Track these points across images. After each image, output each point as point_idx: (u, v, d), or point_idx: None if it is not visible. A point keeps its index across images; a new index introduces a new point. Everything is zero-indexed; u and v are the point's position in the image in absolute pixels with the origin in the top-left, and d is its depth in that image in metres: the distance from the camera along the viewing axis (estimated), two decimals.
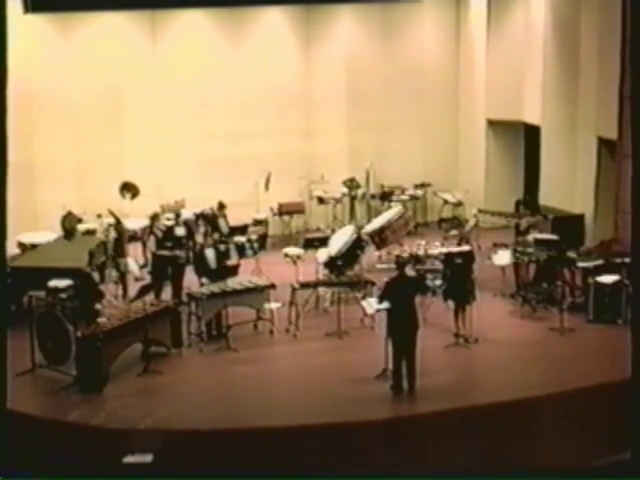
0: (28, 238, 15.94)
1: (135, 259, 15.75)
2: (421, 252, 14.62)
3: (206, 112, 18.48)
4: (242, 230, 16.22)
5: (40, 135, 17.77)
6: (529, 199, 17.89)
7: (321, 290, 14.48)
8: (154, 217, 15.70)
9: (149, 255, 15.36)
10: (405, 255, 13.71)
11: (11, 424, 8.34)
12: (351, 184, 18.91)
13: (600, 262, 14.20)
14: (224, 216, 16.10)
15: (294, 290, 13.81)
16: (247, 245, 15.39)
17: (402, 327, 11.60)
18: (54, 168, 17.77)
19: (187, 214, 16.28)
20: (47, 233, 16.21)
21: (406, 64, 19.54)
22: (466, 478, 9.60)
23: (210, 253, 13.98)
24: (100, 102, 18.00)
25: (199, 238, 15.38)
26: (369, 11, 19.39)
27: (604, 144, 16.31)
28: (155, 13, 18.35)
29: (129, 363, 12.43)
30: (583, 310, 13.92)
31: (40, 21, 17.72)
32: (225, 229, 15.82)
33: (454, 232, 16.16)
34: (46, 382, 12.06)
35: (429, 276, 14.00)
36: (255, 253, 15.58)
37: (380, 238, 16.35)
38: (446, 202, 19.34)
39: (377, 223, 16.74)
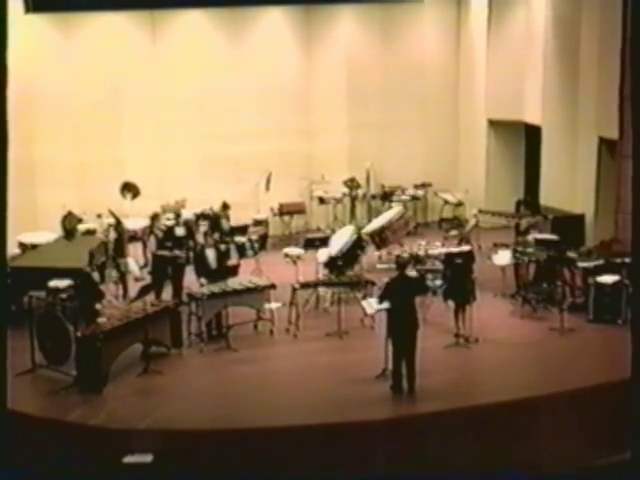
0: (28, 238, 15.94)
1: (135, 259, 15.75)
2: (421, 252, 14.63)
3: (206, 112, 18.49)
4: (242, 230, 16.23)
5: (40, 135, 17.77)
6: (529, 199, 17.89)
7: (321, 290, 14.48)
8: (154, 217, 15.69)
9: (149, 255, 15.37)
10: (405, 255, 13.70)
11: (11, 424, 8.33)
12: (351, 184, 18.91)
13: (600, 262, 14.20)
14: (227, 217, 16.11)
15: (294, 290, 13.81)
16: (247, 245, 15.40)
17: (402, 327, 11.60)
18: (54, 168, 17.78)
19: (187, 214, 16.29)
20: (47, 233, 16.21)
21: (406, 64, 19.54)
22: (466, 478, 9.60)
23: (210, 253, 13.97)
24: (101, 102, 18.01)
25: (200, 238, 15.37)
26: (369, 11, 19.40)
27: (604, 144, 16.31)
28: (155, 13, 18.35)
29: (129, 363, 12.43)
30: (583, 310, 13.92)
31: (41, 21, 17.73)
32: (227, 229, 15.82)
33: (454, 232, 16.16)
34: (46, 382, 12.06)
35: (429, 276, 14.00)
36: (255, 253, 15.60)
37: (380, 238, 16.35)
38: (446, 202, 19.35)
39: (377, 223, 16.74)
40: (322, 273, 14.91)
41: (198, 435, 10.74)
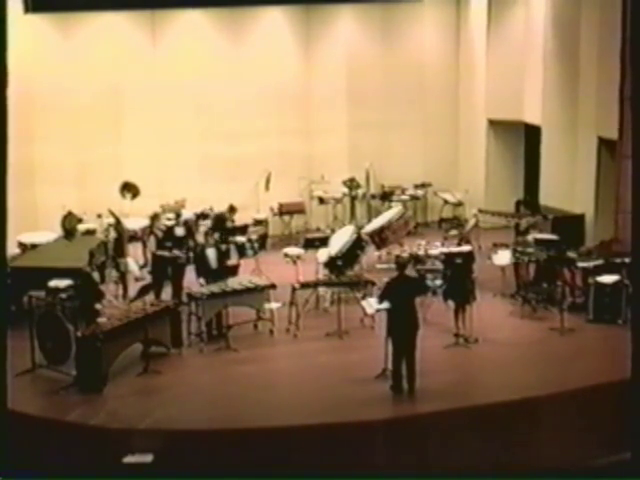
0: (28, 238, 15.93)
1: (135, 259, 15.75)
2: (421, 252, 14.63)
3: (206, 112, 18.49)
4: (242, 230, 16.23)
5: (40, 135, 17.77)
6: (529, 199, 17.89)
7: (321, 290, 14.48)
8: (154, 217, 15.71)
9: (149, 255, 15.37)
10: (405, 255, 13.69)
11: (11, 424, 8.33)
12: (351, 184, 18.91)
13: (600, 262, 14.20)
14: (232, 220, 16.12)
15: (294, 290, 13.81)
16: (247, 245, 15.40)
17: (402, 327, 11.60)
18: (54, 168, 17.78)
19: (187, 214, 16.29)
20: (47, 233, 16.21)
21: (406, 64, 19.54)
22: (466, 478, 9.59)
23: (211, 253, 13.98)
24: (100, 102, 18.00)
25: (200, 237, 15.38)
26: (369, 11, 19.39)
27: (604, 144, 16.31)
28: (155, 13, 18.35)
29: (129, 363, 12.42)
30: (583, 310, 13.93)
31: (40, 21, 17.72)
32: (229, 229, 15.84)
33: (454, 232, 16.14)
34: (46, 382, 12.06)
35: (429, 276, 14.00)
36: (255, 253, 15.60)
37: (380, 238, 16.35)
38: (446, 202, 19.35)
39: (377, 223, 16.74)
40: (322, 273, 14.91)
41: (198, 435, 10.74)
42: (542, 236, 15.39)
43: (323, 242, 15.42)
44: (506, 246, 15.17)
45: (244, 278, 14.14)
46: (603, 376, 11.65)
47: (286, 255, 15.14)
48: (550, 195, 17.52)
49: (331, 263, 14.82)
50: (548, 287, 14.26)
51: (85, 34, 18.04)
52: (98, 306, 12.84)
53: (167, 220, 14.89)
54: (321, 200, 19.04)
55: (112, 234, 15.86)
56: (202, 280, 13.70)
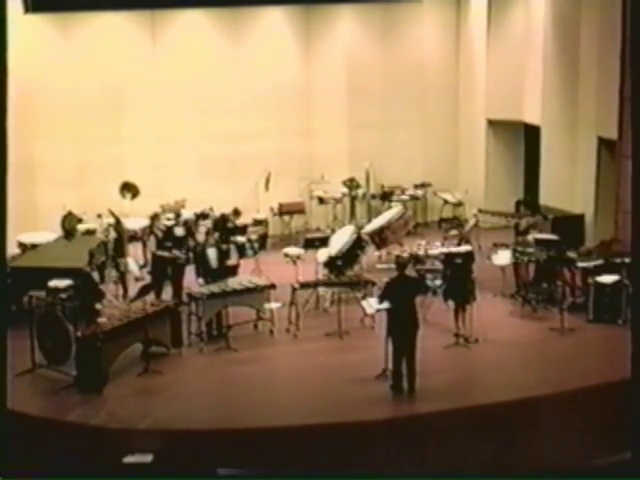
0: (28, 238, 15.92)
1: (135, 259, 15.74)
2: (421, 252, 14.62)
3: (206, 112, 18.48)
4: (242, 230, 16.23)
5: (40, 135, 17.77)
6: (529, 199, 17.88)
7: (321, 290, 14.48)
8: (154, 217, 15.71)
9: (149, 255, 15.37)
10: (405, 255, 13.69)
11: (11, 424, 8.34)
12: (351, 184, 18.91)
13: (600, 262, 14.20)
14: (234, 222, 16.13)
15: (294, 290, 13.81)
16: (247, 245, 15.39)
17: (402, 327, 11.59)
18: (54, 168, 17.78)
19: (187, 214, 16.29)
20: (47, 233, 16.20)
21: (406, 64, 19.54)
22: (466, 478, 9.60)
23: (212, 253, 13.98)
24: (100, 102, 18.01)
25: (201, 237, 15.37)
26: (369, 11, 19.39)
27: (604, 144, 16.31)
28: (155, 13, 18.35)
29: (129, 363, 12.42)
30: (583, 310, 13.92)
31: (40, 21, 17.72)
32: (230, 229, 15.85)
33: (454, 232, 16.13)
34: (46, 382, 12.05)
35: (429, 276, 14.00)
36: (255, 253, 15.58)
37: (380, 238, 16.34)
38: (446, 202, 19.34)
39: (377, 223, 16.73)
40: (322, 273, 14.90)
41: (198, 435, 10.74)
42: (542, 236, 15.39)
43: (323, 242, 15.41)
44: (506, 246, 15.16)
45: (244, 278, 14.14)
46: (603, 376, 11.65)
47: (286, 255, 15.13)
48: (550, 195, 17.52)
49: (331, 263, 14.82)
50: (548, 287, 14.26)
51: (85, 34, 18.04)
52: (98, 306, 12.84)
53: (167, 220, 14.89)
54: (321, 200, 19.04)
55: (112, 234, 15.84)
56: (201, 280, 13.71)
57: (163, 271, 14.51)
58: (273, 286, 13.81)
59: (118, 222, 15.77)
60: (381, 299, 11.83)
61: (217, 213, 16.43)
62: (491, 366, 12.68)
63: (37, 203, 17.62)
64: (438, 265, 14.26)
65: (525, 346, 13.15)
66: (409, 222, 17.22)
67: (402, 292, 11.71)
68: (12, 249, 14.81)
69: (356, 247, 15.19)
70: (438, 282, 13.78)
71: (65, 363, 12.08)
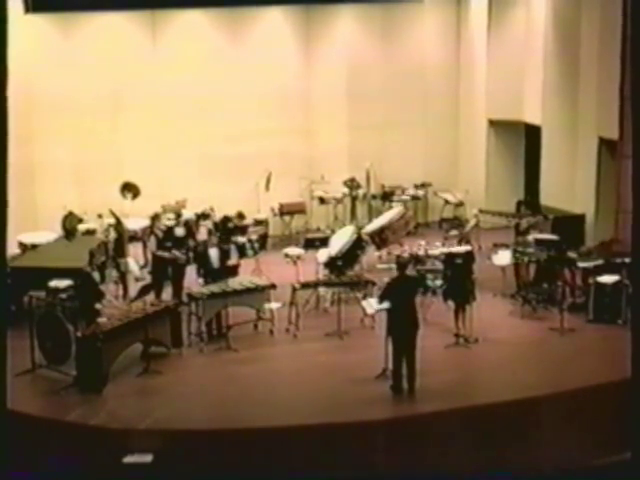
0: (28, 238, 15.93)
1: (135, 259, 15.74)
2: (421, 252, 14.62)
3: (206, 112, 18.47)
4: (242, 230, 16.23)
5: (41, 135, 17.77)
6: (530, 199, 17.88)
7: (321, 290, 14.48)
8: (155, 217, 15.71)
9: (149, 255, 15.37)
10: (405, 255, 13.69)
11: (11, 424, 8.33)
12: (352, 184, 18.91)
13: (600, 262, 14.20)
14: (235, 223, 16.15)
15: (294, 290, 13.81)
16: (247, 245, 15.39)
17: (402, 327, 11.60)
18: (55, 168, 17.78)
19: (188, 214, 16.29)
20: (47, 233, 16.21)
21: (406, 64, 19.53)
22: (466, 478, 9.59)
23: (213, 253, 13.98)
24: (101, 102, 18.01)
25: (202, 237, 15.37)
26: (369, 11, 19.39)
27: (605, 144, 16.31)
28: (155, 13, 18.35)
29: (129, 363, 12.43)
30: (583, 310, 13.92)
31: (40, 21, 17.73)
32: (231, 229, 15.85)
33: (454, 232, 16.13)
34: (46, 382, 12.06)
35: (429, 276, 14.01)
36: (255, 253, 15.59)
37: (380, 238, 16.35)
38: (447, 202, 19.34)
39: (377, 223, 16.74)
40: (322, 273, 14.91)
41: (198, 435, 10.74)
42: (542, 236, 15.38)
43: (323, 242, 15.42)
44: (506, 246, 15.17)
45: (244, 278, 14.14)
46: (603, 376, 11.65)
47: (286, 255, 15.14)
48: (550, 195, 17.51)
49: (331, 263, 14.83)
50: (548, 287, 14.26)
51: (85, 34, 18.04)
52: (98, 306, 12.82)
53: (167, 220, 14.89)
54: (321, 200, 19.04)
55: (112, 234, 15.85)
56: (201, 280, 13.70)
57: (163, 271, 14.52)
58: (273, 286, 13.82)
59: (118, 222, 15.76)
60: (381, 299, 11.84)
61: (218, 214, 16.42)
62: (491, 366, 12.68)
63: (37, 203, 17.62)
64: (438, 265, 14.26)
65: (525, 346, 13.16)
66: (409, 222, 17.23)
67: (402, 292, 11.71)
68: (12, 249, 14.82)
69: (356, 247, 15.20)
70: (438, 282, 13.79)
71: (65, 363, 12.09)
